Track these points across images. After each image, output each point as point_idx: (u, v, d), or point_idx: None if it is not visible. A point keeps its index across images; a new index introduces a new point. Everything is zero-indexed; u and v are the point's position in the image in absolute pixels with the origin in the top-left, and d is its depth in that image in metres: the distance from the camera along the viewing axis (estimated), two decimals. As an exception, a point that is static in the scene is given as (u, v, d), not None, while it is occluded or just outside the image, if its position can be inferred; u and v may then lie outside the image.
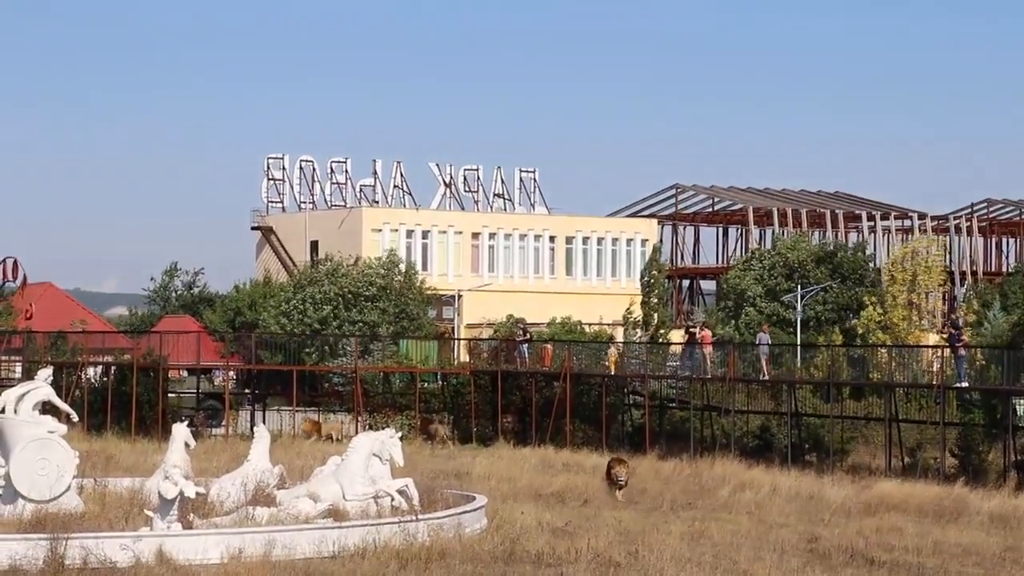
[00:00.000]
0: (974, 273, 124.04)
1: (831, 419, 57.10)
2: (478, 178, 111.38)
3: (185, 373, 76.21)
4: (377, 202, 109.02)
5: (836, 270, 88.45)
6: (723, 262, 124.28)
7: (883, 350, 63.92)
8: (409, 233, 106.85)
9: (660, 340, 78.63)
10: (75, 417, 35.92)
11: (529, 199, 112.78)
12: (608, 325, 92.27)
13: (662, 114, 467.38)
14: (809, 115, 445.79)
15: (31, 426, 32.96)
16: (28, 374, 60.58)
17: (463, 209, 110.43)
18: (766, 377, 59.19)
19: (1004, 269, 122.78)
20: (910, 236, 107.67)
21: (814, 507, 40.85)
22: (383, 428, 41.76)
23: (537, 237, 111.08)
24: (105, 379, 66.69)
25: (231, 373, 70.91)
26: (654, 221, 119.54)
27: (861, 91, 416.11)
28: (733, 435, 58.09)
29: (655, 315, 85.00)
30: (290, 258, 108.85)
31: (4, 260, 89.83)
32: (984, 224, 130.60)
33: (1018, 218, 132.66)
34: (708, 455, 54.08)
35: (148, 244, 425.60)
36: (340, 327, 79.59)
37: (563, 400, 61.86)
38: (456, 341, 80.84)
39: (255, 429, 38.32)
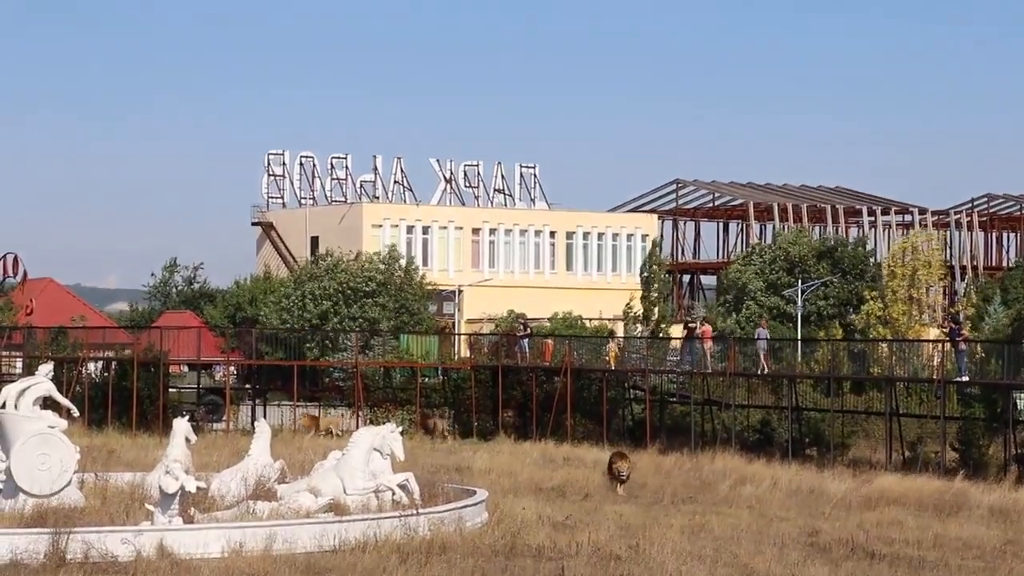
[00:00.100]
0: (974, 268, 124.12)
1: (831, 413, 57.11)
2: (478, 173, 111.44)
3: (186, 368, 76.23)
4: (377, 198, 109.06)
5: (836, 265, 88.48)
6: (723, 257, 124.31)
7: (883, 345, 63.93)
8: (409, 229, 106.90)
9: (661, 335, 78.63)
10: (76, 412, 35.90)
11: (529, 194, 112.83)
12: (608, 320, 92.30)
13: (663, 109, 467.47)
14: (810, 110, 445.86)
15: (32, 421, 32.96)
16: (29, 369, 60.56)
17: (463, 205, 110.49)
18: (764, 371, 59.20)
19: (1004, 264, 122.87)
20: (910, 231, 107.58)
21: (814, 501, 40.86)
22: (384, 423, 41.77)
23: (537, 232, 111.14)
24: (106, 374, 66.70)
25: (232, 368, 70.93)
26: (655, 216, 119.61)
27: (861, 86, 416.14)
28: (734, 429, 58.09)
29: (655, 310, 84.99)
30: (290, 254, 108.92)
31: (4, 256, 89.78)
32: (984, 219, 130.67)
33: (1018, 213, 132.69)
34: (709, 449, 54.07)
35: (149, 240, 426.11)
36: (340, 323, 79.62)
37: (564, 395, 61.88)
38: (457, 336, 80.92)
39: (256, 424, 38.34)
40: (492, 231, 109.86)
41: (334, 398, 71.48)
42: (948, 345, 53.61)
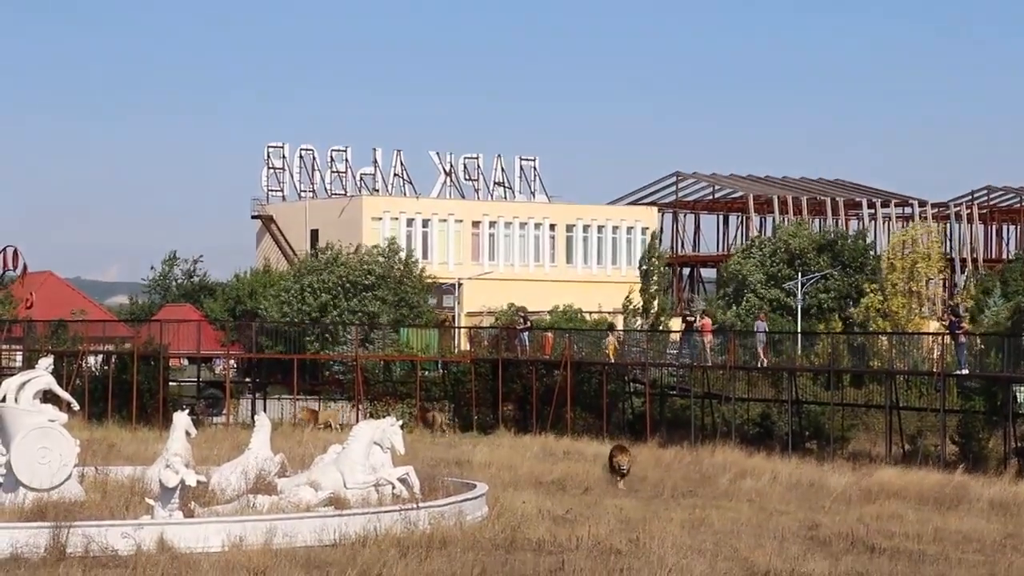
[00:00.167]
0: (974, 260, 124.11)
1: (831, 407, 57.10)
2: (478, 166, 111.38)
3: (186, 362, 76.26)
4: (377, 191, 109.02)
5: (837, 258, 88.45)
6: (723, 250, 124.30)
7: (883, 338, 63.92)
8: (409, 222, 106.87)
9: (660, 328, 78.62)
10: (76, 406, 35.88)
11: (529, 187, 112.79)
12: (608, 313, 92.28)
13: (663, 102, 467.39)
14: (809, 103, 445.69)
15: (32, 415, 32.95)
16: (29, 363, 60.60)
17: (463, 197, 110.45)
18: (763, 364, 59.19)
19: (1004, 256, 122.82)
20: (910, 224, 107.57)
21: (814, 494, 40.86)
22: (384, 416, 41.76)
23: (537, 225, 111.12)
24: (106, 368, 66.70)
25: (232, 361, 70.95)
26: (655, 209, 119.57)
27: (861, 79, 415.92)
28: (734, 423, 58.08)
29: (655, 303, 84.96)
30: (290, 247, 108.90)
31: (4, 249, 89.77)
32: (984, 211, 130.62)
33: (1018, 205, 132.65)
34: (709, 443, 54.10)
35: (149, 233, 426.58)
36: (340, 315, 79.60)
37: (564, 388, 61.88)
38: (457, 329, 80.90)
39: (256, 418, 38.33)
40: (492, 224, 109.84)
41: (334, 392, 71.48)
42: (948, 338, 53.57)
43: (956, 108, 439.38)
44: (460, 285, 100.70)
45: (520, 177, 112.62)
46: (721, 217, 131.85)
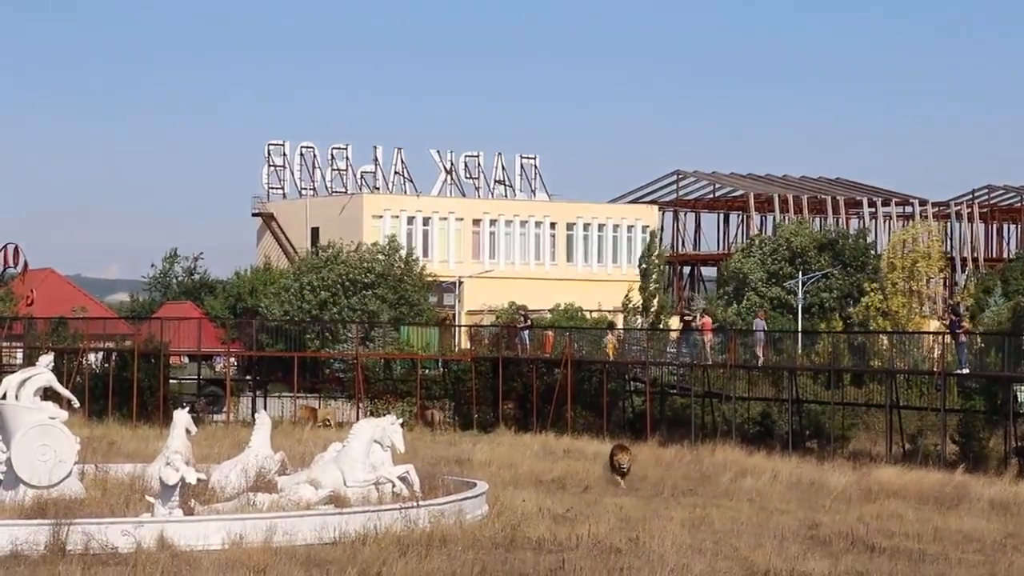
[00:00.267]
0: (975, 259, 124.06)
1: (832, 406, 57.12)
2: (479, 164, 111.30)
3: (186, 359, 76.27)
4: (378, 188, 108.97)
5: (837, 257, 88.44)
6: (724, 249, 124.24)
7: (884, 337, 63.91)
8: (410, 220, 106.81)
9: (661, 326, 78.60)
10: (76, 403, 35.91)
11: (530, 185, 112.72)
12: (608, 311, 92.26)
13: (663, 100, 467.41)
14: (810, 101, 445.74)
15: (32, 412, 32.95)
16: (29, 360, 60.57)
17: (464, 196, 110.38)
18: (761, 363, 59.19)
19: (1005, 255, 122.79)
20: (911, 222, 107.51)
21: (815, 494, 40.87)
22: (384, 415, 41.77)
23: (538, 223, 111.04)
24: (106, 365, 66.74)
25: (232, 359, 70.94)
26: (655, 207, 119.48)
27: (862, 77, 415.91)
28: (734, 422, 58.09)
29: (654, 301, 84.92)
30: (291, 244, 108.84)
31: (5, 246, 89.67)
32: (985, 210, 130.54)
33: (1019, 204, 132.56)
34: (709, 442, 54.09)
35: (150, 230, 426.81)
36: (340, 313, 79.59)
37: (564, 386, 61.89)
38: (457, 328, 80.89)
39: (256, 415, 38.34)
40: (492, 222, 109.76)
41: (334, 390, 71.49)
42: (948, 337, 53.56)
43: (956, 108, 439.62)
44: (460, 283, 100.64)
45: (521, 175, 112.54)
46: (721, 216, 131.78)
